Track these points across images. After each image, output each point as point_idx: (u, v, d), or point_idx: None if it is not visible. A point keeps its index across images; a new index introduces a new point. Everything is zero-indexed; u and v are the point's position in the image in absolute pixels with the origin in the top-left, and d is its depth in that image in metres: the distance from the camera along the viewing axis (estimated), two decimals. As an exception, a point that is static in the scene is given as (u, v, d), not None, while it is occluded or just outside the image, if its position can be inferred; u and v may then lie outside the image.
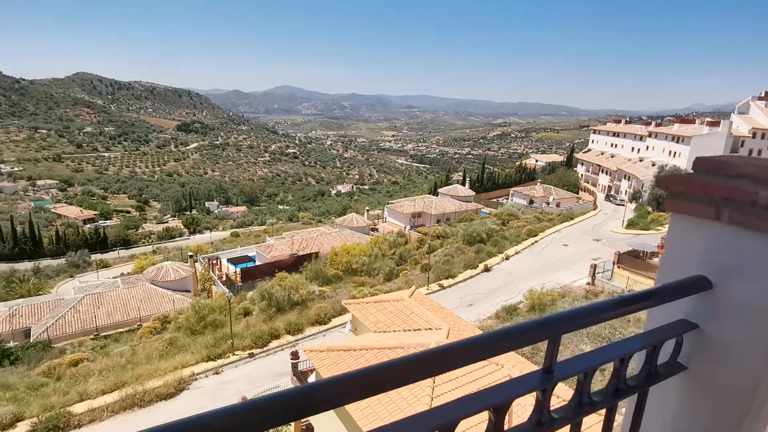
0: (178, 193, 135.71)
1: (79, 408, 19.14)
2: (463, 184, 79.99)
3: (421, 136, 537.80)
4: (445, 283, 33.61)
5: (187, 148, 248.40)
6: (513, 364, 12.97)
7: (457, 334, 14.52)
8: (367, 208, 65.83)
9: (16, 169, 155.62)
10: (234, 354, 23.80)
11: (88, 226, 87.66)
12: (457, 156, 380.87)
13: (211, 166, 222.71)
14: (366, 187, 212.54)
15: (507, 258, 39.04)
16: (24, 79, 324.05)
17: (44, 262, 60.16)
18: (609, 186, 79.26)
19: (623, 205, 62.29)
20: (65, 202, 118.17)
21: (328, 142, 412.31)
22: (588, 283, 31.97)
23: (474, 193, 69.48)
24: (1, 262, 62.41)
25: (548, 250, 41.81)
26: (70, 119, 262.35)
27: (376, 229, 58.05)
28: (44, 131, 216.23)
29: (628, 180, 71.90)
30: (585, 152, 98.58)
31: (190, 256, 41.31)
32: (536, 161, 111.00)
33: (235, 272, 41.26)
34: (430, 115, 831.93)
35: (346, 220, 54.65)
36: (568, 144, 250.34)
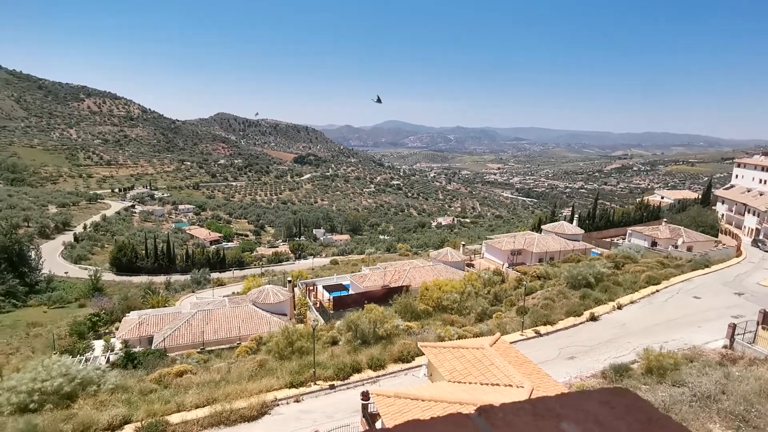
0: (290, 220, 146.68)
1: (174, 418, 20.59)
2: (571, 220, 73.85)
3: (528, 169, 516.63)
4: (542, 329, 30.57)
5: (302, 178, 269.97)
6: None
7: (542, 395, 12.69)
8: (463, 242, 63.89)
9: (165, 195, 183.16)
10: (315, 383, 23.95)
11: (213, 246, 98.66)
12: (568, 190, 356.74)
13: (321, 196, 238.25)
14: (467, 220, 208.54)
15: (619, 307, 34.41)
16: (178, 120, 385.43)
17: (174, 277, 68.62)
18: (757, 229, 66.79)
19: (777, 252, 51.75)
20: (198, 225, 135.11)
21: (432, 174, 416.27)
22: (725, 346, 26.53)
23: (583, 231, 63.62)
24: (143, 274, 73.12)
25: (673, 301, 35.97)
26: (209, 153, 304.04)
27: (472, 265, 55.87)
28: (188, 163, 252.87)
29: (784, 223, 59.95)
30: (727, 188, 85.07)
31: (289, 281, 43.68)
32: (662, 198, 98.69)
33: (329, 300, 42.47)
34: (540, 147, 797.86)
35: (441, 254, 53.54)
36: (705, 179, 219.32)
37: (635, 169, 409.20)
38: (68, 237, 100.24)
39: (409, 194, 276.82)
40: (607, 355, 26.41)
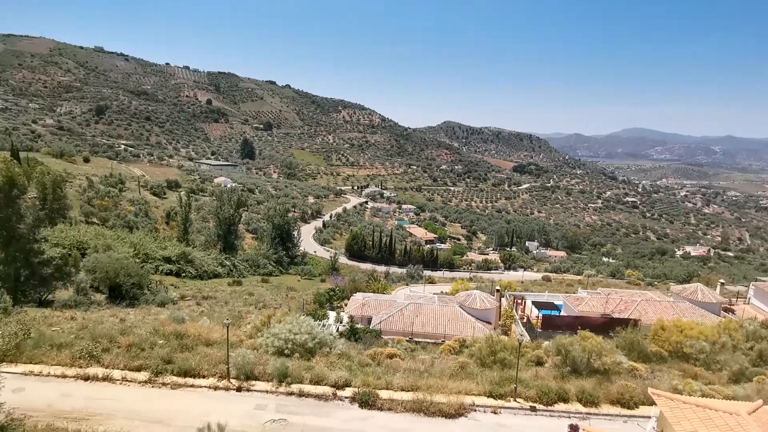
0: (503, 229, 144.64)
1: (383, 394, 22.85)
2: None
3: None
4: None
5: (519, 188, 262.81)
6: None
7: None
8: (720, 280, 50.89)
9: (392, 194, 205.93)
10: (516, 400, 22.91)
11: (428, 246, 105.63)
12: None
13: (538, 207, 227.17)
14: (730, 253, 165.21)
15: None
16: (409, 128, 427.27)
17: (393, 269, 76.43)
18: None
19: None
20: (416, 224, 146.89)
21: (683, 193, 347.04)
22: None
23: None
24: (368, 262, 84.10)
25: None
26: (432, 158, 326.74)
27: (731, 311, 44.02)
28: (414, 167, 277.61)
29: None
30: None
31: (497, 290, 43.09)
32: None
33: (537, 317, 40.10)
34: None
35: (687, 291, 43.96)
36: None
37: None
38: (319, 223, 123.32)
39: (648, 214, 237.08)
40: None
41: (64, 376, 19.34)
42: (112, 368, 20.23)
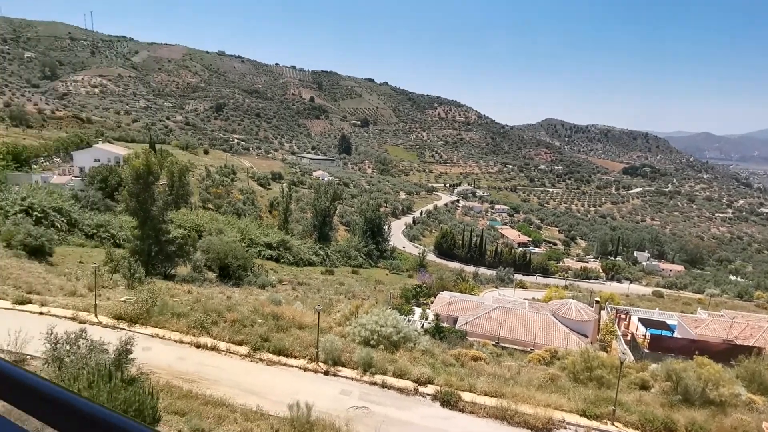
0: (606, 236, 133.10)
1: (465, 396, 22.42)
2: None
3: None
4: None
5: (629, 192, 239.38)
6: None
7: None
8: None
9: (485, 194, 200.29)
10: (613, 424, 21.04)
11: (520, 249, 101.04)
12: None
13: (651, 214, 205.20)
14: None
15: None
16: (507, 125, 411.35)
17: (482, 270, 74.42)
18: None
19: None
20: (509, 226, 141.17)
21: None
22: None
23: None
24: (456, 261, 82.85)
25: None
26: (530, 158, 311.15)
27: None
28: (510, 166, 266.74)
29: None
30: None
31: (597, 302, 39.79)
32: None
33: (644, 336, 36.35)
34: None
35: (841, 322, 36.65)
36: None
37: None
38: (409, 219, 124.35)
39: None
40: None
41: (181, 342, 21.94)
42: (219, 340, 22.49)
